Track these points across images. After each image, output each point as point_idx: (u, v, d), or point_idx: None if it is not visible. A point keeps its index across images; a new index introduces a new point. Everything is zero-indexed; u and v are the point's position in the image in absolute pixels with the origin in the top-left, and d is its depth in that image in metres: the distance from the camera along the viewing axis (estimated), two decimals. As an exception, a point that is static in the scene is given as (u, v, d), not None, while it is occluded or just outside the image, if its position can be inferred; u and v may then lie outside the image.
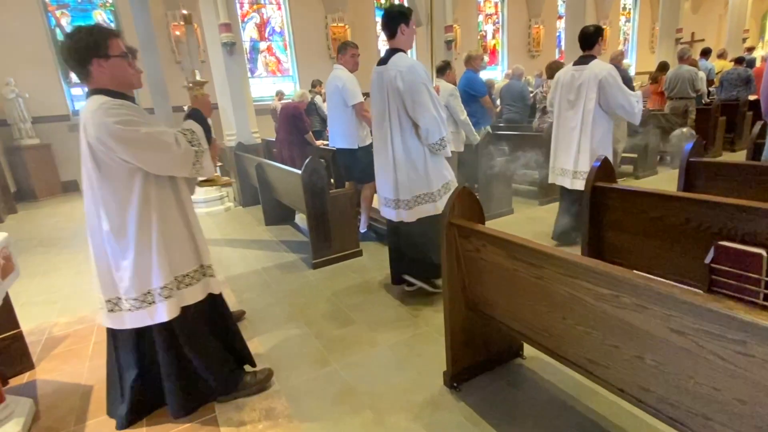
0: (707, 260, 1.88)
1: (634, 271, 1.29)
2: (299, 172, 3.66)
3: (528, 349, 2.30)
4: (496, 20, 14.39)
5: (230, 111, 6.14)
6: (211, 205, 6.10)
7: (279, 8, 10.88)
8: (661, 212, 2.09)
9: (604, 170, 2.36)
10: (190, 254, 1.95)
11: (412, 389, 2.13)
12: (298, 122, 5.73)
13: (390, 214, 2.91)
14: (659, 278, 1.94)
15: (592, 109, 3.40)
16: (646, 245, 2.22)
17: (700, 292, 1.16)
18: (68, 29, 8.90)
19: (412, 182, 2.76)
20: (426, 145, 2.72)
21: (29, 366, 2.58)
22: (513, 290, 1.72)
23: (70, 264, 4.39)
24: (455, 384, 2.09)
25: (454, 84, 4.63)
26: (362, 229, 4.36)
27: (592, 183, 2.34)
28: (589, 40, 3.46)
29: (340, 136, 4.14)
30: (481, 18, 14.01)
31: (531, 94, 7.37)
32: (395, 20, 2.69)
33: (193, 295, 1.95)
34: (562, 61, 6.29)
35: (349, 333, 2.71)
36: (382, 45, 12.51)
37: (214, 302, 2.11)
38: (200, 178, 2.12)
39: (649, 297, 1.20)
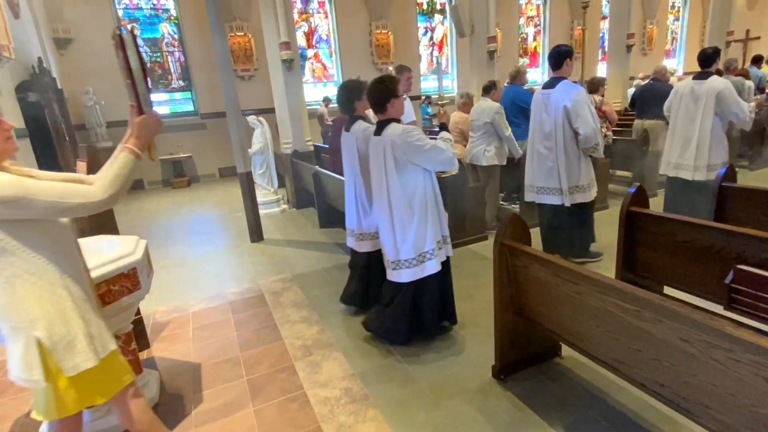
0: (727, 280, 2.18)
1: (663, 291, 1.65)
2: (343, 178, 4.10)
3: (565, 350, 2.66)
4: (538, 22, 14.40)
5: (287, 121, 6.70)
6: (269, 207, 6.69)
7: (326, 17, 11.43)
8: (688, 237, 2.40)
9: (638, 196, 2.67)
10: (438, 227, 2.69)
11: (464, 379, 2.54)
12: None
13: (553, 200, 3.79)
14: (683, 294, 2.28)
15: (711, 117, 4.00)
16: (674, 264, 2.52)
17: (713, 307, 1.51)
18: (138, 41, 9.77)
19: (570, 177, 3.63)
20: (584, 148, 3.57)
21: (146, 345, 3.18)
22: (554, 301, 2.10)
23: (154, 258, 5.04)
24: (502, 376, 2.48)
25: (498, 102, 4.95)
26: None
27: (627, 207, 2.66)
28: (709, 60, 4.06)
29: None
30: (522, 20, 14.07)
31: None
32: (562, 56, 3.57)
33: (442, 256, 2.72)
34: (603, 77, 6.43)
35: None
36: (423, 50, 12.85)
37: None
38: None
39: (664, 313, 1.56)
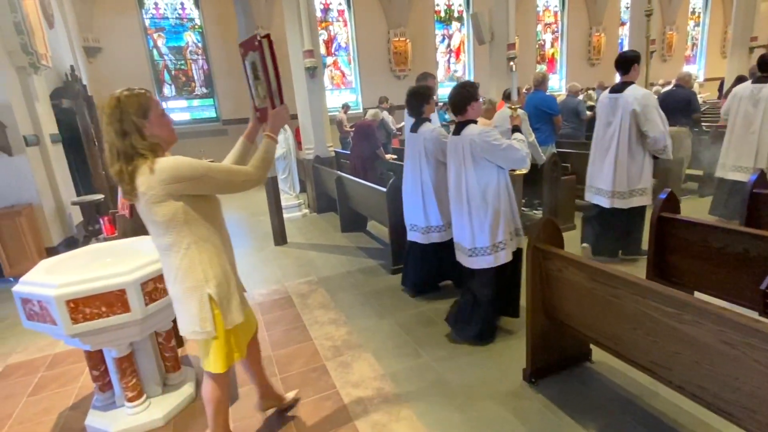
0: (763, 286, 2.17)
1: (694, 295, 1.67)
2: (384, 189, 4.18)
3: (596, 354, 2.66)
4: (556, 29, 14.39)
5: (310, 128, 6.82)
6: (291, 212, 6.79)
7: (345, 25, 11.61)
8: (722, 243, 2.40)
9: (669, 202, 2.68)
10: (511, 219, 2.85)
11: (495, 381, 2.57)
12: (370, 138, 6.31)
13: (603, 202, 3.87)
14: (714, 299, 2.29)
15: None
16: (706, 269, 2.52)
17: (747, 313, 1.53)
18: (164, 49, 10.04)
19: (630, 179, 3.71)
20: (653, 150, 3.68)
21: (181, 343, 3.26)
22: (589, 304, 2.12)
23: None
24: (533, 379, 2.50)
25: (522, 108, 4.99)
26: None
27: (658, 213, 2.67)
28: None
29: (417, 156, 4.62)
30: (539, 27, 14.08)
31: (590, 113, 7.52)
32: (630, 61, 3.66)
33: (513, 246, 2.87)
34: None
35: (434, 332, 3.18)
36: (441, 57, 12.94)
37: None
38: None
39: (705, 316, 1.58)
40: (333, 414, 2.41)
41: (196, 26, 10.19)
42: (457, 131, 2.84)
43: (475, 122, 2.83)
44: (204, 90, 10.52)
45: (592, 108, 8.24)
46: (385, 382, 2.65)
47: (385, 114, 8.03)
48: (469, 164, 2.77)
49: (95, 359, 2.45)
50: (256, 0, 9.72)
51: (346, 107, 10.51)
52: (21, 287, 2.11)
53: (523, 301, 2.78)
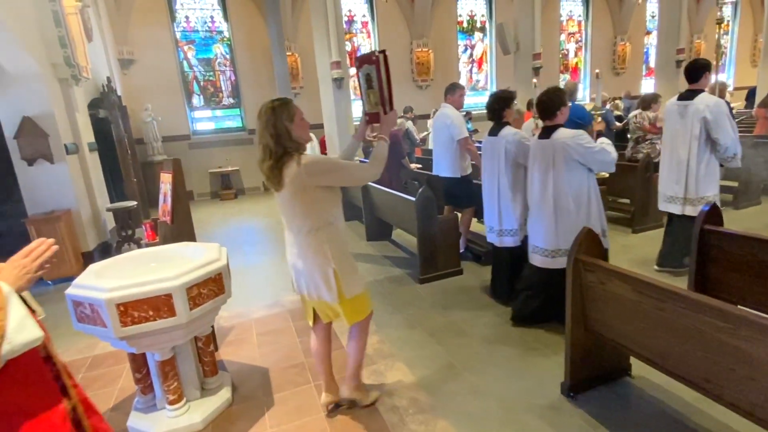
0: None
1: (748, 310, 1.62)
2: (413, 199, 4.20)
3: (635, 369, 2.60)
4: (579, 38, 14.29)
5: (335, 137, 6.91)
6: (316, 220, 6.86)
7: (368, 36, 11.77)
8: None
9: (713, 214, 2.62)
10: (598, 221, 2.92)
11: (533, 395, 2.53)
12: (395, 148, 6.34)
13: (675, 209, 3.86)
14: (760, 314, 2.21)
15: None
16: (751, 283, 2.45)
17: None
18: (193, 61, 10.35)
19: (699, 184, 3.68)
20: (723, 157, 3.63)
21: (215, 349, 3.32)
22: (633, 317, 2.09)
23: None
24: (572, 393, 2.46)
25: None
26: (461, 250, 4.81)
27: (701, 225, 2.61)
28: None
29: (445, 166, 4.64)
30: (563, 37, 14.00)
31: (621, 122, 7.43)
32: (701, 69, 3.66)
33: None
34: (656, 93, 6.31)
35: (467, 343, 3.16)
36: (463, 67, 12.98)
37: None
38: None
39: (761, 331, 1.53)
40: (369, 423, 2.41)
41: (225, 38, 10.47)
42: (546, 135, 2.92)
43: (563, 126, 2.94)
44: (231, 100, 10.78)
45: (620, 118, 8.14)
46: (419, 392, 2.64)
47: (409, 124, 8.09)
48: (560, 167, 2.83)
49: (138, 362, 2.52)
50: (282, 13, 9.96)
51: (368, 117, 10.61)
52: (73, 290, 2.19)
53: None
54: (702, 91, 3.71)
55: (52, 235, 5.10)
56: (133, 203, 6.22)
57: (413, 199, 4.20)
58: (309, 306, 2.40)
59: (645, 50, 15.25)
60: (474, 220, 5.03)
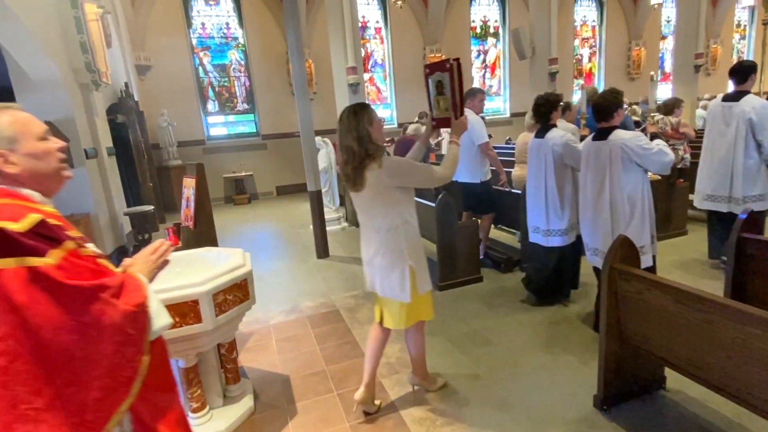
0: None
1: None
2: (433, 205, 4.15)
3: (671, 382, 2.51)
4: (594, 44, 14.18)
5: (351, 142, 6.89)
6: (330, 225, 6.82)
7: (382, 42, 11.79)
8: (814, 266, 2.24)
9: (751, 222, 2.53)
10: (652, 225, 2.92)
11: (564, 407, 2.45)
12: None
13: (715, 206, 3.92)
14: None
15: None
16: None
17: None
18: (209, 67, 10.41)
19: (746, 184, 3.70)
20: (767, 159, 3.66)
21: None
22: (673, 329, 2.01)
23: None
24: (605, 407, 2.38)
25: (574, 123, 4.89)
26: (480, 256, 4.74)
27: (738, 233, 2.52)
28: None
29: (465, 171, 4.58)
30: (577, 42, 13.90)
31: (640, 127, 7.31)
32: (748, 71, 3.69)
33: (654, 251, 2.95)
34: (679, 98, 6.20)
35: (491, 352, 3.09)
36: (476, 72, 12.94)
37: None
38: None
39: (823, 347, 1.46)
40: (395, 434, 2.36)
41: (240, 45, 10.56)
42: (602, 136, 2.92)
43: (619, 128, 2.94)
44: (245, 106, 10.84)
45: (637, 123, 8.02)
46: (446, 403, 2.57)
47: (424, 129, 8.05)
48: (617, 168, 2.83)
49: (161, 368, 2.49)
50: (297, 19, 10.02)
51: (381, 121, 10.60)
52: (100, 295, 2.17)
53: (575, 321, 2.67)
54: (748, 92, 3.71)
55: (72, 238, 5.13)
56: (151, 207, 6.26)
57: (433, 204, 4.15)
58: (379, 303, 2.47)
59: (660, 55, 15.08)
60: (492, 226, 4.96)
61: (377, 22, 11.66)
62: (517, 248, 4.94)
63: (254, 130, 10.95)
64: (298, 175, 11.05)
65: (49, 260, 1.09)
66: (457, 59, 2.24)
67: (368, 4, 11.47)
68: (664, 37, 15.16)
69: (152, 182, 8.20)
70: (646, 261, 2.79)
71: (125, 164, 7.38)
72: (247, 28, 10.43)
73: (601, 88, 14.38)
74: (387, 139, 10.66)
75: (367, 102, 2.19)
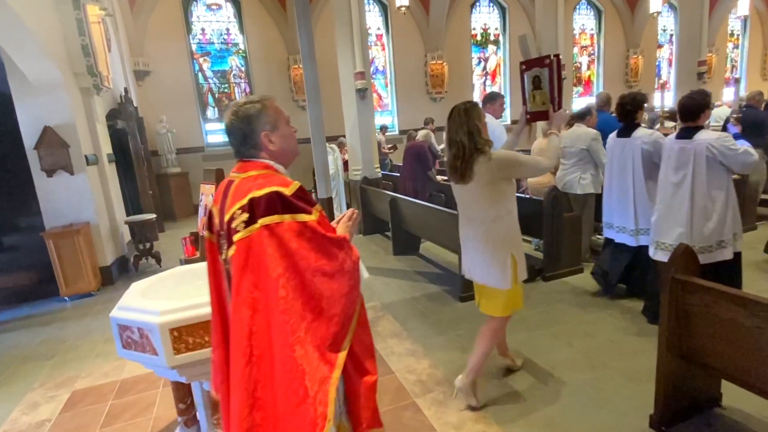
0: None
1: None
2: (456, 213, 3.99)
3: (726, 399, 2.37)
4: (592, 51, 14.25)
5: (358, 148, 6.74)
6: (338, 233, 6.65)
7: (383, 49, 11.71)
8: None
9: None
10: (734, 220, 2.94)
11: (615, 428, 2.30)
12: (423, 160, 6.19)
13: None
14: None
15: None
16: None
17: None
18: (208, 73, 10.26)
19: None
20: None
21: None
22: (746, 344, 1.86)
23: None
24: (663, 428, 2.22)
25: (594, 128, 4.78)
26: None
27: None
28: None
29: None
30: (576, 50, 13.96)
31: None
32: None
33: (737, 247, 2.94)
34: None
35: (530, 368, 2.93)
36: (477, 80, 12.91)
37: None
38: None
39: None
40: (440, 460, 2.18)
41: (240, 51, 10.41)
42: (687, 136, 2.94)
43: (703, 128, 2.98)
44: (245, 112, 10.65)
45: (645, 130, 7.97)
46: (489, 426, 2.40)
47: (430, 135, 7.92)
48: (701, 168, 2.87)
49: (182, 391, 2.30)
50: (297, 25, 9.90)
51: (384, 129, 10.48)
52: (120, 313, 1.98)
53: (606, 333, 2.52)
54: None
55: (70, 248, 4.90)
56: (153, 216, 6.03)
57: (456, 213, 3.99)
58: (478, 291, 2.61)
59: (657, 63, 15.21)
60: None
61: (378, 29, 11.58)
62: (535, 257, 4.80)
63: (254, 137, 10.74)
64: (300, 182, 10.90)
65: (312, 217, 1.39)
66: (558, 55, 2.40)
67: (369, 11, 11.39)
68: (660, 46, 15.30)
69: (152, 190, 7.96)
70: (725, 254, 2.91)
71: (125, 171, 7.16)
72: (247, 34, 10.28)
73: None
74: (389, 146, 10.55)
75: (475, 101, 2.52)
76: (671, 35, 15.29)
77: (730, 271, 3.00)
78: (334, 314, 1.38)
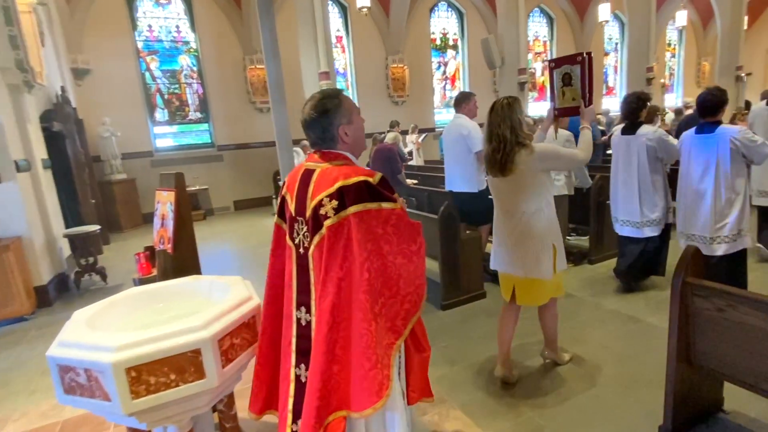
0: None
1: None
2: (435, 216, 3.82)
3: (728, 403, 2.31)
4: (545, 58, 14.71)
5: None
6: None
7: (343, 51, 11.46)
8: None
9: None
10: (748, 212, 3.11)
11: (625, 442, 2.17)
12: (392, 163, 5.99)
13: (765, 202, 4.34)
14: None
15: None
16: None
17: None
18: (157, 73, 9.58)
19: None
20: None
21: (222, 403, 2.73)
22: (763, 350, 1.78)
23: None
24: (673, 438, 2.12)
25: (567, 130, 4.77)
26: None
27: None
28: None
29: (460, 181, 4.31)
30: (530, 56, 14.35)
31: (605, 136, 7.48)
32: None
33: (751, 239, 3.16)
34: (658, 106, 6.35)
35: (525, 379, 2.77)
36: (437, 84, 12.94)
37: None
38: None
39: None
40: (446, 495, 1.95)
41: (192, 49, 9.81)
42: (709, 130, 3.09)
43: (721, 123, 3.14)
44: (198, 115, 10.05)
45: (603, 132, 8.21)
46: (490, 447, 2.21)
47: (399, 138, 7.77)
48: (723, 160, 3.01)
49: (141, 437, 1.93)
50: (254, 23, 9.46)
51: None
52: (60, 351, 1.60)
53: (597, 338, 2.42)
54: None
55: (0, 267, 4.27)
56: (97, 228, 5.43)
57: (436, 216, 3.82)
58: (510, 284, 2.59)
59: (604, 69, 15.95)
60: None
61: (338, 30, 11.33)
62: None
63: (209, 141, 10.16)
64: (257, 188, 10.40)
65: (397, 205, 1.56)
66: (589, 53, 2.52)
67: (329, 12, 11.11)
68: (607, 54, 16.07)
69: (94, 199, 7.26)
70: (744, 243, 3.10)
71: (63, 179, 6.43)
72: (199, 32, 9.71)
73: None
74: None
75: (516, 96, 2.54)
76: (616, 44, 16.12)
77: (734, 266, 3.17)
78: (408, 293, 1.57)
